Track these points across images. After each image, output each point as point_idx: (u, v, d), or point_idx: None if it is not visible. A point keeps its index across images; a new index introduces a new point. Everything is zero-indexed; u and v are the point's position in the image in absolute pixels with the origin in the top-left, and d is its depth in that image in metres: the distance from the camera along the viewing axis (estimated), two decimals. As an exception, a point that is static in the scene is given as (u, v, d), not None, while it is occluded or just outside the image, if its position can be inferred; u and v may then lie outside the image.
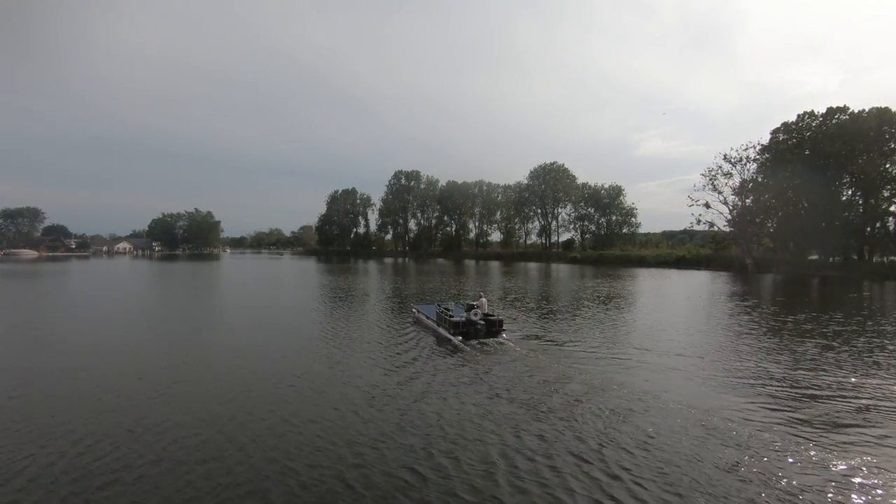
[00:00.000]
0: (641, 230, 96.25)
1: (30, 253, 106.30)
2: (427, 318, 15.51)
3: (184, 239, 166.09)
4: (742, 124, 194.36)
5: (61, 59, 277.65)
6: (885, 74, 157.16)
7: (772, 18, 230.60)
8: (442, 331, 13.80)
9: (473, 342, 12.69)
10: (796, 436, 6.79)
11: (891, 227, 48.48)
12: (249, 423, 7.23)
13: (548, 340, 13.56)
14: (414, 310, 17.37)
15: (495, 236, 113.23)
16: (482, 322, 13.18)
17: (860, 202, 49.72)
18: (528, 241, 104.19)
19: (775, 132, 54.44)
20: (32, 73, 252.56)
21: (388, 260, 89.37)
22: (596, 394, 8.75)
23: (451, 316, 13.49)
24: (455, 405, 8.20)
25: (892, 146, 46.79)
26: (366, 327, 16.00)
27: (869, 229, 49.27)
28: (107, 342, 13.38)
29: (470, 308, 13.96)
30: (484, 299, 14.69)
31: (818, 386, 9.23)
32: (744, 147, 55.85)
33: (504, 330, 13.46)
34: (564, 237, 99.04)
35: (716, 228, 58.62)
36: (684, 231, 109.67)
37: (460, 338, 12.80)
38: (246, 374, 10.15)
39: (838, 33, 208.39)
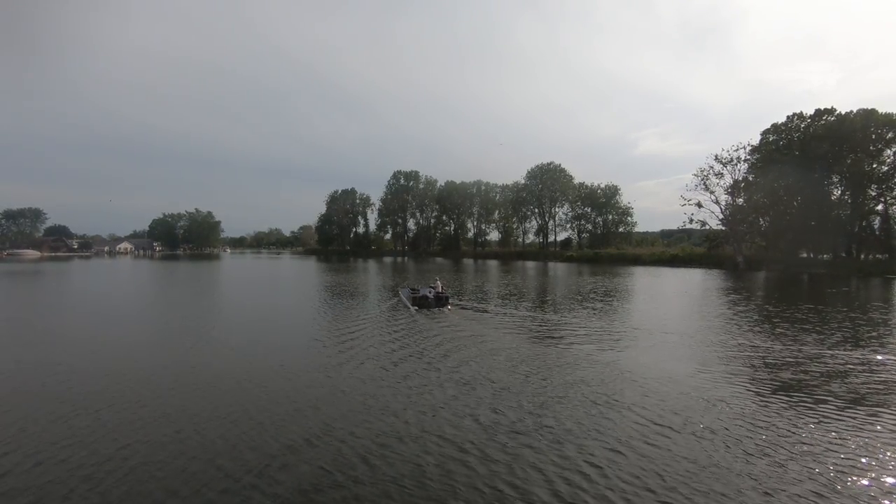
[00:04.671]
0: (640, 229, 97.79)
1: (33, 253, 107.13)
2: (404, 296, 21.73)
3: (184, 239, 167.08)
4: (741, 123, 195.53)
5: (63, 57, 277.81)
6: (882, 73, 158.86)
7: (771, 16, 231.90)
8: (408, 303, 19.66)
9: (425, 310, 18.15)
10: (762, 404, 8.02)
11: (876, 226, 49.84)
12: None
13: (481, 311, 18.71)
14: (399, 291, 24.32)
15: (493, 235, 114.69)
16: (433, 297, 18.94)
17: (848, 201, 51.06)
18: (526, 241, 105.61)
19: (765, 133, 55.80)
20: (35, 72, 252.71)
21: (388, 259, 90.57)
22: (469, 345, 12.39)
23: (414, 294, 19.82)
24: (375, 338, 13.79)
25: (879, 146, 48.19)
26: (362, 300, 22.70)
27: (857, 228, 50.65)
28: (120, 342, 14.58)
29: (431, 289, 20.46)
30: (439, 283, 21.96)
31: (790, 363, 10.45)
32: (734, 148, 57.24)
33: (449, 303, 19.05)
34: (562, 236, 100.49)
35: (708, 227, 60.01)
36: (681, 230, 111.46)
37: (416, 307, 18.51)
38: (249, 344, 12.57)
39: (837, 31, 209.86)
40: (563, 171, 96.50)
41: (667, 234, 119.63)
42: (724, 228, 58.15)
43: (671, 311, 19.11)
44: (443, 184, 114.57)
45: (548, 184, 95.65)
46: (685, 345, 12.25)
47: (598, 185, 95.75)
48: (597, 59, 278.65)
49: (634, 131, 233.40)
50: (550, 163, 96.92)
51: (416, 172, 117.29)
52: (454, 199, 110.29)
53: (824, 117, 51.05)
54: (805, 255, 54.97)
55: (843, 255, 51.93)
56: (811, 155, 50.02)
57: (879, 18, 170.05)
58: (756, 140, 56.41)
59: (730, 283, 33.57)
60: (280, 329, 15.25)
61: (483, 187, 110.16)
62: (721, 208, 57.86)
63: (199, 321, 16.66)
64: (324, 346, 12.38)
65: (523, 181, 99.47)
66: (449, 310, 18.26)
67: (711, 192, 58.00)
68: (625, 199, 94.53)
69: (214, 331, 14.73)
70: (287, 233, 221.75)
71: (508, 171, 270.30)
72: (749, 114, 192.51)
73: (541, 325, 15.44)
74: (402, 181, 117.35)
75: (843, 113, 50.05)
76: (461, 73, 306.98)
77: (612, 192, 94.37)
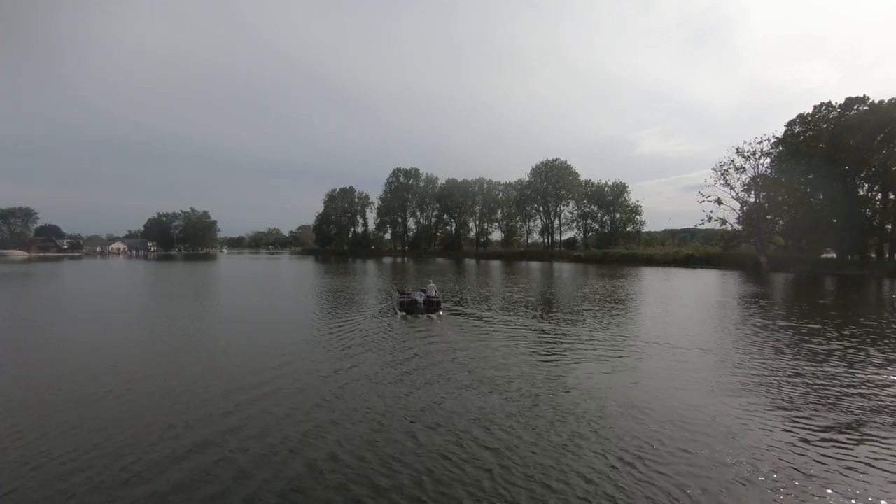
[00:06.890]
0: (645, 228, 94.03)
1: (20, 254, 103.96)
2: (394, 299, 19.87)
3: (180, 239, 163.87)
4: (742, 122, 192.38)
5: (62, 57, 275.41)
6: (884, 71, 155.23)
7: (772, 14, 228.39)
8: (396, 307, 18.19)
9: (412, 316, 16.67)
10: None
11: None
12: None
13: (477, 319, 16.62)
14: (392, 293, 22.33)
15: (496, 235, 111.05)
16: (422, 302, 17.34)
17: (879, 198, 47.49)
18: (530, 240, 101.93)
19: (790, 124, 52.04)
20: (32, 73, 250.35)
21: (387, 259, 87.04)
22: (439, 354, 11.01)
23: (403, 298, 18.16)
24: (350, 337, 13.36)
25: (915, 138, 44.41)
26: (356, 303, 21.55)
27: (889, 226, 46.97)
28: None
29: (422, 292, 18.10)
30: (432, 285, 18.89)
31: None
32: (758, 140, 53.50)
33: (441, 309, 17.62)
34: (567, 236, 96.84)
35: (728, 226, 56.15)
36: (685, 230, 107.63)
37: (403, 312, 17.19)
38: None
39: (838, 30, 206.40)
40: (568, 167, 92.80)
41: (670, 234, 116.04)
42: (742, 226, 54.43)
43: (727, 326, 15.50)
44: (444, 181, 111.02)
45: (553, 181, 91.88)
46: (779, 387, 8.67)
47: (606, 183, 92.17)
48: (596, 58, 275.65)
49: (635, 131, 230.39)
50: (556, 159, 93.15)
51: (416, 170, 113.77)
52: (455, 198, 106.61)
53: (855, 106, 47.27)
54: (830, 254, 51.36)
55: (873, 255, 48.33)
56: (840, 147, 46.37)
57: (880, 17, 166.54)
58: (780, 132, 52.78)
59: (762, 288, 29.91)
60: (249, 336, 14.21)
61: (485, 185, 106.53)
62: (740, 204, 54.18)
63: (161, 333, 13.15)
64: (273, 355, 11.28)
65: (528, 178, 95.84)
66: (440, 316, 16.78)
67: (731, 188, 54.30)
68: (632, 197, 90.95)
69: (178, 342, 11.28)
70: (286, 233, 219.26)
71: (509, 171, 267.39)
72: (750, 113, 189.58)
73: (546, 341, 12.21)
74: (401, 179, 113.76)
75: (875, 102, 46.32)
76: (460, 72, 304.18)
77: (620, 189, 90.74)
